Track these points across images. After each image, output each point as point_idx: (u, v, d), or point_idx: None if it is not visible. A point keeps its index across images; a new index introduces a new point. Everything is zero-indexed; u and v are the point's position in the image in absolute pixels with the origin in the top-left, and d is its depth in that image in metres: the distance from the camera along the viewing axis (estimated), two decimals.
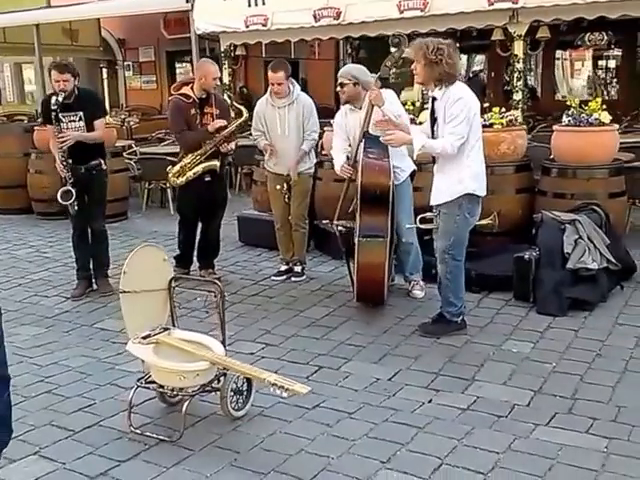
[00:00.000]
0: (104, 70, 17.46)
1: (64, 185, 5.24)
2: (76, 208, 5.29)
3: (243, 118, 5.53)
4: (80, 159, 5.29)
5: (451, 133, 4.03)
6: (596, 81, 14.26)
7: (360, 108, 4.83)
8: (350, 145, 4.92)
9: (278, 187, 5.53)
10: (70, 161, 5.23)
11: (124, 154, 8.97)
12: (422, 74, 4.08)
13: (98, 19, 14.28)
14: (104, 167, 5.51)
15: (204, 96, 5.42)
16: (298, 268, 5.76)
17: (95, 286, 5.59)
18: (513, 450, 3.05)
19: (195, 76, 5.49)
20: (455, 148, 4.04)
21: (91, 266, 5.62)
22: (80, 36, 14.65)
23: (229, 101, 5.57)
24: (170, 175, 5.50)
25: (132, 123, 12.67)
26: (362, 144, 4.61)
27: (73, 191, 5.21)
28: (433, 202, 4.29)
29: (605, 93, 13.27)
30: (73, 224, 5.54)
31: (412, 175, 5.01)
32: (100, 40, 15.39)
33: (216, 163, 5.44)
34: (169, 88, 16.73)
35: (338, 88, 4.94)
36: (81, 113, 5.27)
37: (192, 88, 5.42)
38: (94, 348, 4.41)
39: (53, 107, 5.12)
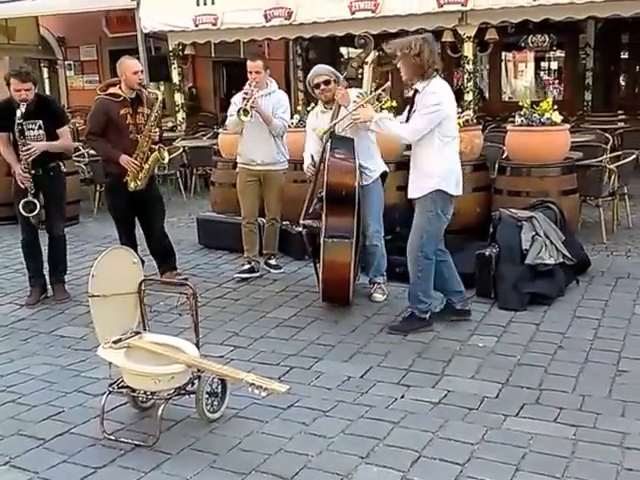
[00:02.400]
0: (44, 70, 17.00)
1: (25, 196, 5.03)
2: (39, 222, 5.09)
3: (159, 99, 5.31)
4: (37, 165, 5.08)
5: (411, 122, 4.14)
6: (541, 83, 14.73)
7: (331, 109, 4.81)
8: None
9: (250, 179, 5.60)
10: (33, 172, 5.03)
11: (73, 156, 8.75)
12: (404, 70, 4.17)
13: (36, 17, 13.89)
14: (62, 168, 5.34)
15: (133, 96, 5.29)
16: (273, 261, 5.87)
17: (50, 292, 5.44)
18: (486, 441, 3.13)
19: (118, 75, 5.35)
20: (409, 136, 4.15)
21: (45, 272, 5.46)
22: (17, 34, 14.21)
23: (144, 91, 5.37)
24: (129, 183, 5.32)
25: (77, 125, 12.38)
26: (328, 144, 4.64)
27: (36, 202, 5.02)
28: (409, 196, 4.37)
29: (549, 94, 13.70)
30: (22, 228, 5.30)
31: (384, 177, 5.02)
32: (39, 38, 14.96)
33: (157, 155, 5.29)
34: None
35: (321, 86, 4.86)
36: (40, 122, 5.07)
37: (120, 88, 5.29)
38: (56, 356, 4.31)
39: (18, 120, 4.91)
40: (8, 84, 4.98)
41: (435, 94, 4.10)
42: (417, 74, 4.14)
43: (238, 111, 5.24)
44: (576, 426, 3.21)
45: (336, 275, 4.64)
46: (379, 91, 4.73)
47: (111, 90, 5.31)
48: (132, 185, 5.31)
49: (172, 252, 5.80)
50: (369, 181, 4.87)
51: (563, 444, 3.07)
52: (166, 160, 5.54)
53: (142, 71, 5.33)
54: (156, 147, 5.32)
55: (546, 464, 2.92)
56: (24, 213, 5.06)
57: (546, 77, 14.93)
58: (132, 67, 5.23)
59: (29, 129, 5.04)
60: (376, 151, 4.97)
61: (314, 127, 5.00)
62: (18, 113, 4.91)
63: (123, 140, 5.26)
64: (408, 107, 4.29)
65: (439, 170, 4.19)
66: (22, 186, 5.06)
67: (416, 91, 4.20)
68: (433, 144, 4.15)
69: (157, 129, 5.35)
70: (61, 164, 5.34)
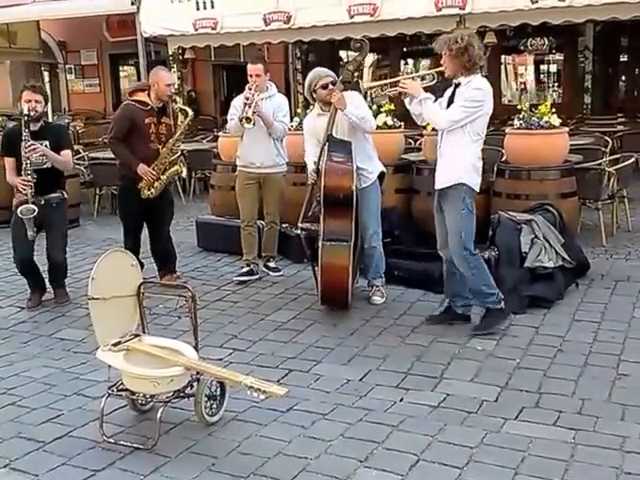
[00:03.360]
0: (45, 73, 17.04)
1: (25, 202, 5.00)
2: (35, 234, 5.04)
3: (189, 117, 5.47)
4: (40, 189, 5.07)
5: (450, 111, 4.15)
6: (540, 86, 14.76)
7: (329, 111, 4.80)
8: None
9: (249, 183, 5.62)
10: (35, 176, 5.02)
11: (73, 160, 8.76)
12: (449, 66, 4.16)
13: (37, 21, 13.94)
14: (65, 196, 5.37)
15: (160, 105, 5.37)
16: (272, 264, 5.89)
17: (51, 294, 5.44)
18: (485, 444, 3.13)
19: (150, 83, 5.44)
20: (444, 123, 4.16)
21: (44, 275, 5.46)
22: (18, 38, 14.29)
23: (175, 105, 5.51)
24: (143, 190, 5.39)
25: (78, 128, 12.43)
26: (326, 147, 4.64)
27: (35, 208, 4.99)
28: (436, 187, 4.37)
29: (549, 97, 13.72)
30: (16, 247, 5.22)
31: (381, 177, 5.02)
32: (40, 42, 15.03)
33: (177, 168, 5.44)
34: (113, 92, 16.47)
35: (329, 86, 4.80)
36: (46, 142, 5.11)
37: (149, 95, 5.36)
38: (56, 358, 4.31)
39: (25, 114, 4.93)
40: (20, 98, 5.09)
41: (481, 90, 4.12)
42: (463, 69, 4.13)
43: (241, 119, 5.27)
44: (575, 430, 3.21)
45: (334, 278, 4.64)
46: (432, 71, 4.55)
47: (139, 96, 5.38)
48: (146, 192, 5.39)
49: (174, 255, 5.85)
50: (367, 183, 4.87)
51: (562, 448, 3.06)
52: (184, 174, 5.71)
53: (174, 84, 5.47)
54: (177, 160, 5.43)
55: (545, 468, 2.91)
56: (21, 216, 4.98)
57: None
58: (166, 79, 5.35)
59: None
60: (373, 152, 4.98)
61: (312, 129, 4.99)
62: (25, 109, 4.95)
63: (143, 148, 5.34)
64: (446, 100, 4.26)
65: (463, 165, 4.21)
66: (23, 191, 5.02)
67: (457, 85, 4.20)
68: (462, 139, 4.18)
69: (180, 144, 5.47)
70: (64, 193, 5.36)
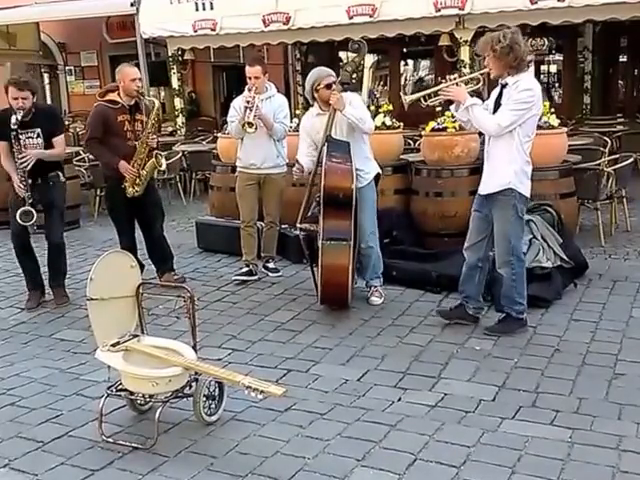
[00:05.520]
0: (45, 75, 17.06)
1: (23, 205, 5.04)
2: (35, 228, 5.09)
3: (155, 108, 5.46)
4: (37, 175, 5.13)
5: (499, 116, 4.03)
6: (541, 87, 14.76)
7: (328, 111, 4.80)
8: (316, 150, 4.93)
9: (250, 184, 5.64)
10: (30, 181, 5.05)
11: (74, 161, 8.79)
12: (495, 67, 4.04)
13: (37, 22, 13.96)
14: (62, 179, 5.38)
15: (132, 103, 5.38)
16: (271, 264, 5.90)
17: (50, 296, 5.46)
18: (482, 443, 3.14)
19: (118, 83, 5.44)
20: (494, 130, 4.04)
21: (43, 276, 5.49)
22: (18, 40, 14.29)
23: (142, 98, 5.51)
24: (128, 190, 5.41)
25: (78, 129, 12.45)
26: (325, 148, 4.66)
27: (34, 212, 5.02)
28: (481, 192, 4.30)
29: (548, 98, 13.73)
30: (14, 234, 5.28)
31: (377, 179, 5.03)
32: (39, 44, 15.04)
33: (155, 161, 5.38)
34: None
35: (333, 86, 4.73)
36: (39, 130, 5.11)
37: (119, 94, 5.37)
38: (55, 359, 4.33)
39: (13, 127, 4.93)
40: (7, 92, 5.02)
41: (530, 90, 4.01)
42: (510, 69, 4.01)
43: (243, 125, 5.29)
44: (572, 429, 3.22)
45: (335, 277, 4.66)
46: (477, 74, 4.41)
47: (110, 96, 5.39)
48: (130, 191, 5.40)
49: (170, 254, 5.87)
50: (364, 183, 4.88)
51: (559, 447, 3.07)
52: (163, 167, 5.65)
53: (140, 79, 5.44)
54: (153, 154, 5.39)
55: (542, 467, 2.93)
56: (21, 222, 5.04)
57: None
58: (130, 74, 5.32)
59: (28, 137, 5.08)
60: (370, 153, 5.00)
61: (308, 128, 4.99)
62: (13, 119, 4.94)
63: (121, 146, 5.35)
64: (493, 102, 4.16)
65: (512, 168, 4.11)
66: (21, 194, 5.06)
67: (503, 86, 4.09)
68: (510, 141, 4.07)
69: (155, 136, 5.44)
70: (60, 174, 5.37)
